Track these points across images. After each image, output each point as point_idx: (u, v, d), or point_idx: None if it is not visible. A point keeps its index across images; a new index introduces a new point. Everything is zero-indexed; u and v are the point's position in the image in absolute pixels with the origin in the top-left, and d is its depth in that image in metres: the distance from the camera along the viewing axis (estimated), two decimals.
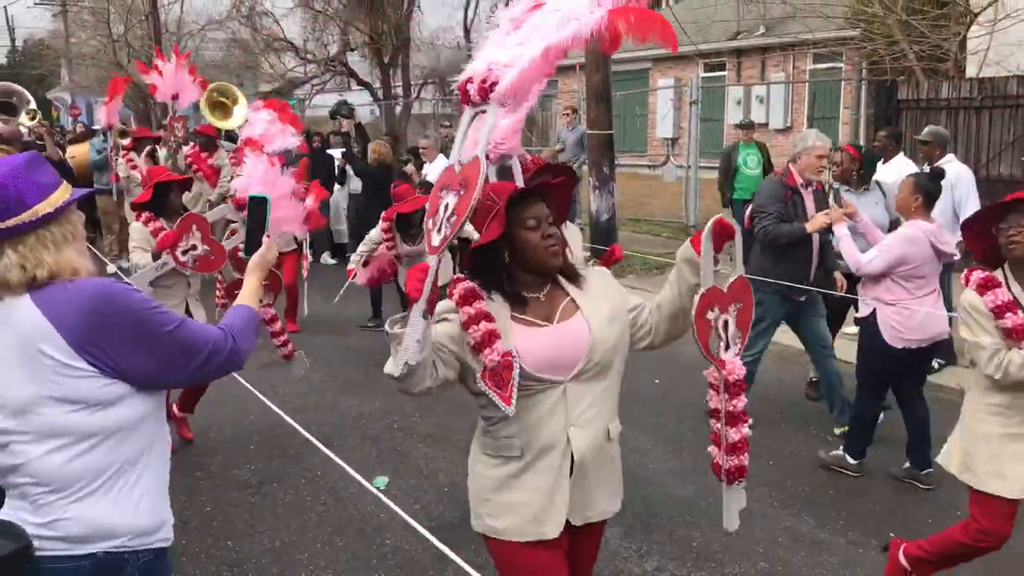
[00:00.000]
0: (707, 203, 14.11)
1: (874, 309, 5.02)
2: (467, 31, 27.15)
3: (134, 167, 9.53)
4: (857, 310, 5.61)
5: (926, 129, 7.08)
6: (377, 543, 4.45)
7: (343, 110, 11.91)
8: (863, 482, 5.08)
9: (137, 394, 2.11)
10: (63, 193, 2.12)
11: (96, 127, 19.12)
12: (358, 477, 4.43)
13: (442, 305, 2.48)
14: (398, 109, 24.77)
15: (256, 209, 2.88)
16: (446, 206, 2.30)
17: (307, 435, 4.75)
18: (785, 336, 7.86)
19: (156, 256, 5.06)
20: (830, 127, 17.12)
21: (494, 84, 2.31)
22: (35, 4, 34.90)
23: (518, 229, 2.46)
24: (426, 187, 9.13)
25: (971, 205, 6.57)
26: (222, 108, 11.49)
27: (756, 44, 19.01)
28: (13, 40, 44.39)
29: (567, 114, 12.95)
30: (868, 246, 5.29)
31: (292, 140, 9.06)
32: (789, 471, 5.24)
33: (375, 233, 7.40)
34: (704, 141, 15.78)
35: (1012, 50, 10.49)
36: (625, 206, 14.05)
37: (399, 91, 26.13)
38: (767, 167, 10.70)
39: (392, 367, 2.34)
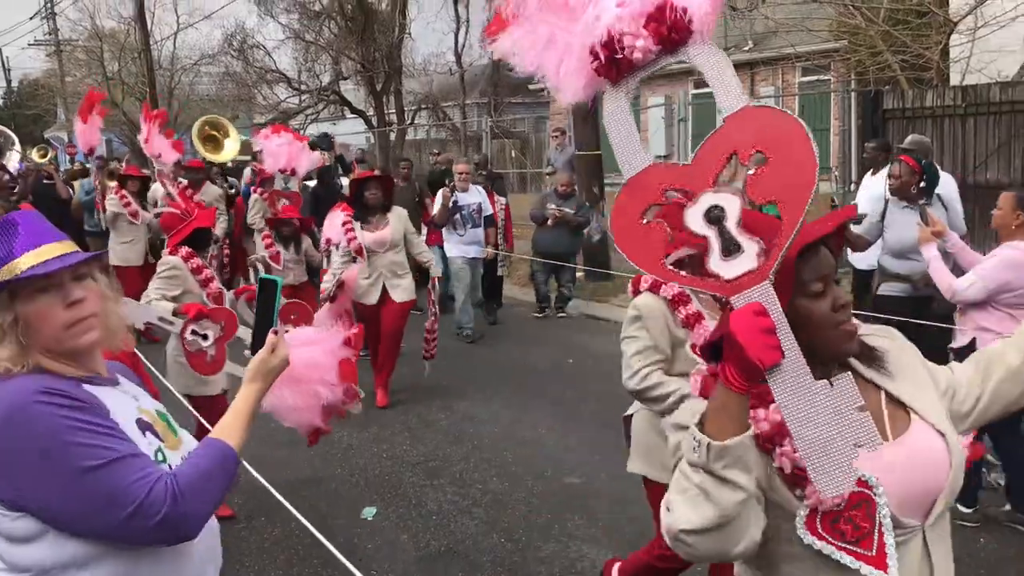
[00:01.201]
0: None
1: (974, 338, 4.49)
2: (458, 57, 27.27)
3: (128, 204, 9.23)
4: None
5: (908, 138, 7.11)
6: (364, 574, 4.42)
7: (323, 143, 11.98)
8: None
9: (66, 536, 1.67)
10: (16, 266, 1.75)
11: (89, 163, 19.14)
12: (354, 509, 4.42)
13: (688, 413, 1.72)
14: (392, 136, 24.90)
15: (265, 293, 2.12)
16: (717, 211, 1.49)
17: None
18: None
19: (176, 312, 4.46)
20: (821, 138, 17.16)
21: (684, 13, 1.51)
22: (29, 45, 35.21)
23: (796, 296, 1.59)
24: (455, 211, 8.85)
25: (954, 212, 6.55)
26: (213, 141, 11.41)
27: (744, 59, 19.11)
28: (9, 81, 44.77)
29: (556, 136, 13.03)
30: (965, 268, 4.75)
31: (315, 156, 8.86)
32: None
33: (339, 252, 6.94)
34: None
35: (993, 57, 10.53)
36: None
37: (393, 117, 26.29)
38: None
39: (697, 516, 1.48)
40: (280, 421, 2.98)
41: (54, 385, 1.70)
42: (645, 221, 1.56)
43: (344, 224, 6.86)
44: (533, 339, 9.26)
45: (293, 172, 8.62)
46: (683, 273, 1.53)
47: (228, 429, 1.85)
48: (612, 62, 1.57)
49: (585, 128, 11.10)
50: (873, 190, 7.33)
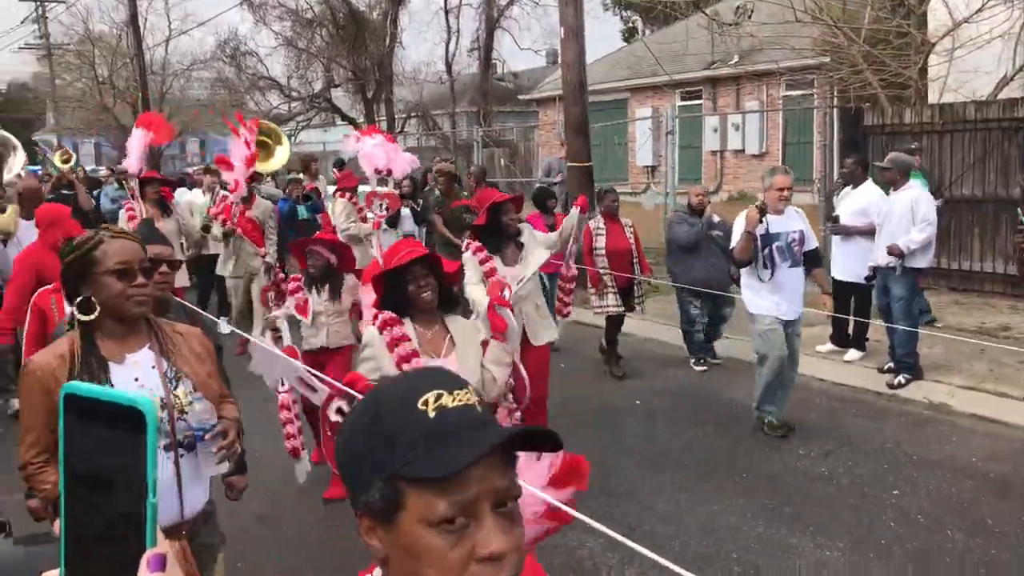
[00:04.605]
0: None
1: None
2: (448, 66, 27.62)
3: (132, 218, 7.62)
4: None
5: (888, 156, 7.45)
6: None
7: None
8: (830, 490, 5.37)
9: None
10: None
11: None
12: None
13: None
14: None
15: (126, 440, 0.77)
16: None
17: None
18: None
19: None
20: (803, 152, 17.59)
21: None
22: (20, 48, 35.28)
23: None
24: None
25: (926, 226, 6.89)
26: (264, 148, 10.33)
27: (730, 73, 19.53)
28: None
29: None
30: None
31: (410, 157, 8.30)
32: (761, 483, 5.53)
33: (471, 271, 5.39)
34: (682, 168, 16.24)
35: (969, 77, 10.95)
36: None
37: (383, 125, 26.59)
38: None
39: None
40: None
41: None
42: None
43: (478, 252, 5.46)
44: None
45: (390, 173, 8.19)
46: None
47: None
48: None
49: (577, 140, 11.41)
50: (854, 203, 7.69)
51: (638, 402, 7.21)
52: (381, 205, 8.23)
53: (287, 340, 5.05)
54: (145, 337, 2.50)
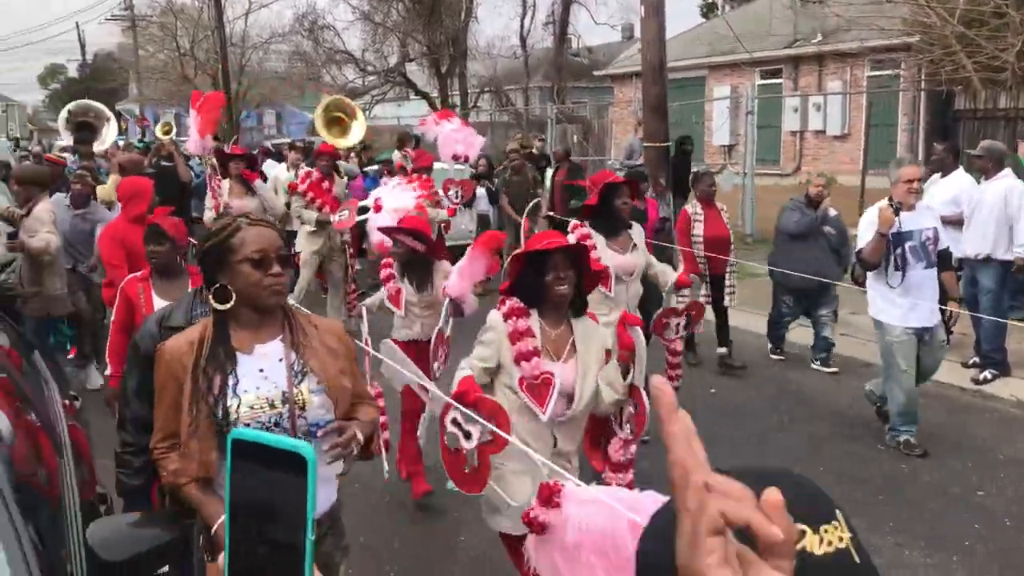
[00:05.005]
0: (764, 211, 14.19)
1: None
2: (523, 40, 27.50)
3: (215, 196, 7.82)
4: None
5: (981, 144, 7.20)
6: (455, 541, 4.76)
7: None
8: (911, 488, 5.26)
9: None
10: None
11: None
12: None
13: None
14: None
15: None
16: None
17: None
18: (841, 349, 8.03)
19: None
20: (887, 135, 17.11)
21: None
22: (106, 19, 36.23)
23: None
24: None
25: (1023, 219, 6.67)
26: (339, 125, 10.40)
27: (813, 52, 19.06)
28: (84, 54, 46.09)
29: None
30: None
31: (481, 139, 8.17)
32: (838, 479, 5.44)
33: None
34: (760, 148, 15.95)
35: None
36: None
37: (456, 100, 26.65)
38: None
39: None
40: None
41: None
42: None
43: (583, 238, 5.02)
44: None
45: (466, 159, 7.81)
46: None
47: None
48: None
49: (655, 120, 11.25)
50: (943, 192, 7.42)
51: (713, 391, 7.15)
52: (456, 192, 8.20)
53: (365, 332, 4.97)
54: (278, 328, 2.45)
